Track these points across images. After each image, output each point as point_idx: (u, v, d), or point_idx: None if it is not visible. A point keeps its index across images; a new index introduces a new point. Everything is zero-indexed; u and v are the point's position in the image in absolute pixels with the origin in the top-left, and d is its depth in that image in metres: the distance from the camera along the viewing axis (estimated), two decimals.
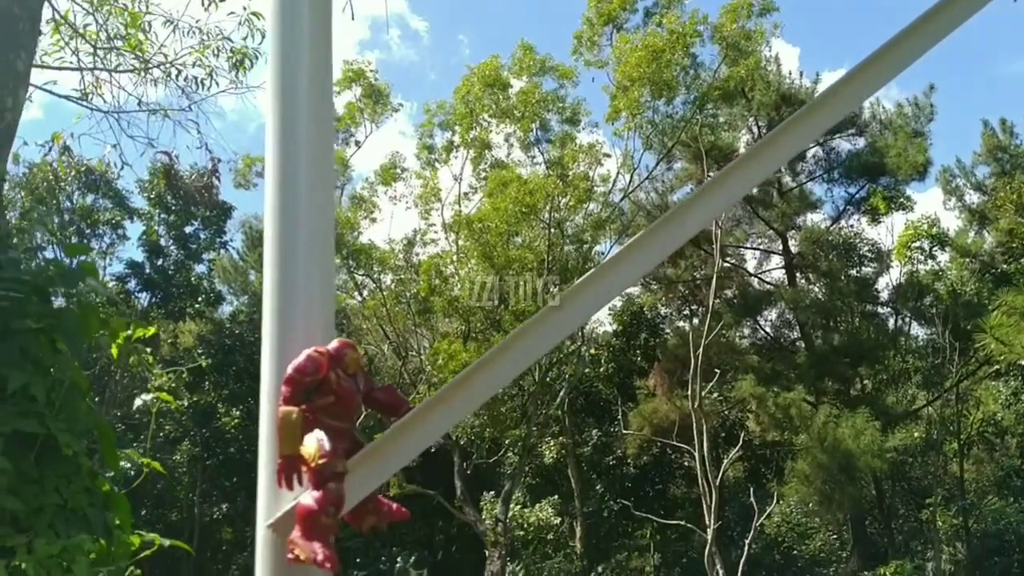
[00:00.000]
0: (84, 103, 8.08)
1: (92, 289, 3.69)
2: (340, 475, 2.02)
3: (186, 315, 29.82)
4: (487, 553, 23.07)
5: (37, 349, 3.42)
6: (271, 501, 2.22)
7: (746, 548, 20.92)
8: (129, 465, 4.24)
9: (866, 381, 28.07)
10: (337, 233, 23.22)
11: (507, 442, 24.52)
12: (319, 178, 2.58)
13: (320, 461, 1.98)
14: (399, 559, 29.82)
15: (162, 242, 29.99)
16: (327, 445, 2.01)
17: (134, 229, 28.74)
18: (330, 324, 2.40)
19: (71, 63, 8.11)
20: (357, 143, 25.77)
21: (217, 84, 9.13)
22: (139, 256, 29.56)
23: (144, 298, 29.77)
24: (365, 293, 25.80)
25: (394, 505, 2.44)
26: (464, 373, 2.27)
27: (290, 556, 2.09)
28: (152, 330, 4.22)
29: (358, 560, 28.79)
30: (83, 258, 3.96)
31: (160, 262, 29.92)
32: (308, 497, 2.03)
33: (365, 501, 2.25)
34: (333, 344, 2.23)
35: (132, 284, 29.43)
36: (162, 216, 29.81)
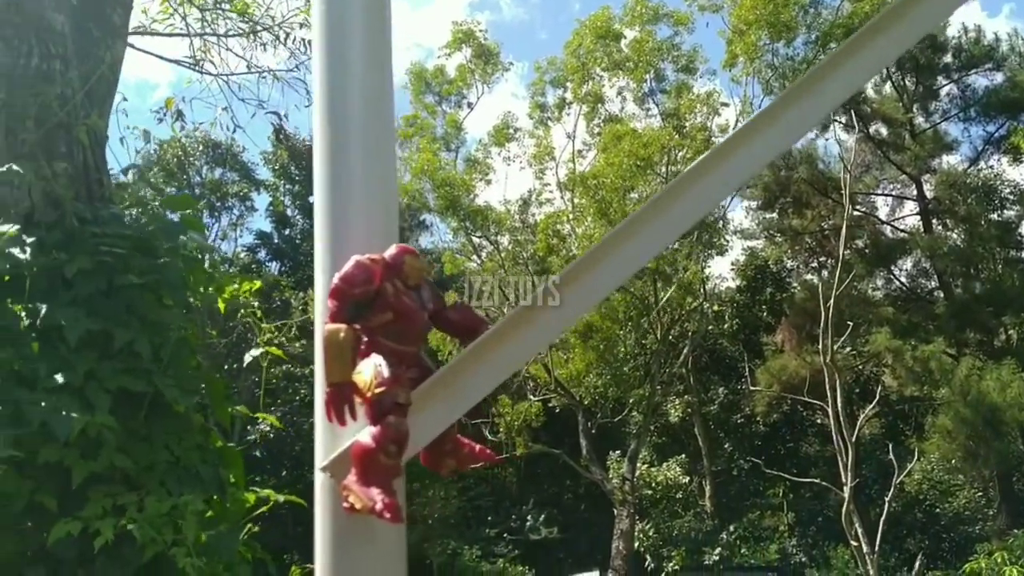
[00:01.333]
0: (195, 68, 8.20)
1: (194, 242, 3.68)
2: (402, 407, 1.71)
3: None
4: (616, 512, 23.01)
5: (142, 305, 3.43)
6: (327, 439, 1.90)
7: (886, 506, 20.15)
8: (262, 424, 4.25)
9: (1011, 331, 26.57)
10: (453, 195, 23.30)
11: (631, 401, 24.33)
12: (374, 54, 2.18)
13: (377, 390, 1.68)
14: (529, 517, 30.07)
15: (288, 212, 30.84)
16: (385, 371, 1.69)
17: (261, 200, 29.72)
18: (391, 230, 2.04)
19: (180, 29, 8.21)
20: (469, 105, 25.77)
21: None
22: (267, 227, 30.55)
23: (274, 267, 30.72)
24: (483, 255, 25.81)
25: (477, 446, 2.12)
26: (559, 280, 1.81)
27: (345, 505, 1.80)
28: (258, 284, 4.21)
29: (489, 518, 29.13)
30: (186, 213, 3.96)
31: (287, 232, 30.82)
32: (365, 434, 1.74)
33: (441, 440, 1.95)
34: (390, 250, 1.88)
35: (262, 254, 30.48)
36: (287, 187, 30.62)
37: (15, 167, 3.35)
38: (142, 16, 7.80)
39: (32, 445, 2.96)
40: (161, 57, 8.47)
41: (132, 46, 7.38)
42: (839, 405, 20.47)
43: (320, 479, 1.91)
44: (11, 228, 3.25)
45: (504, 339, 1.81)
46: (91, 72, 3.89)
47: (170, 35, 8.08)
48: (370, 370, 1.70)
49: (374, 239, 1.92)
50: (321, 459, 1.90)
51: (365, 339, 1.80)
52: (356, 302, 1.75)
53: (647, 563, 25.75)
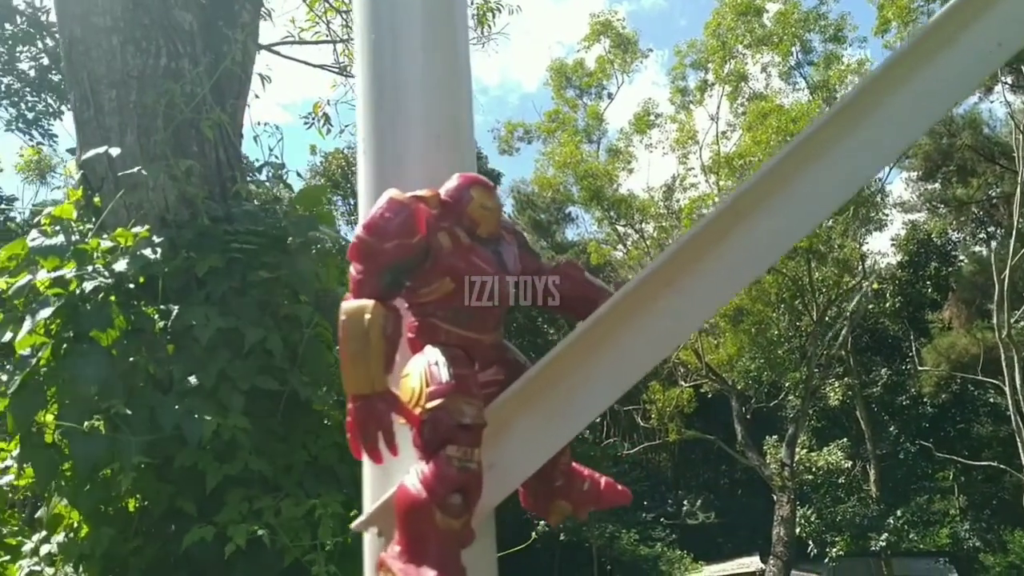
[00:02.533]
0: (341, 72, 8.36)
1: (327, 237, 3.60)
2: (471, 431, 1.08)
3: None
4: (775, 497, 22.36)
5: (274, 302, 3.37)
6: (376, 478, 1.29)
7: None
8: None
9: None
10: (596, 186, 23.18)
11: (787, 385, 23.64)
12: None
13: (430, 404, 1.07)
14: (685, 502, 29.71)
15: None
16: (444, 373, 1.10)
17: None
18: (464, 157, 1.38)
19: (326, 36, 8.39)
20: (610, 96, 25.64)
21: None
22: None
23: None
24: (628, 243, 25.55)
25: (602, 479, 1.41)
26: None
27: None
28: None
29: (644, 503, 28.94)
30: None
31: None
32: (413, 476, 1.10)
33: (546, 474, 1.30)
34: (448, 183, 1.22)
35: None
36: None
37: (142, 169, 3.34)
38: (290, 26, 8.09)
39: (168, 449, 2.93)
40: (308, 63, 8.73)
41: (279, 54, 7.60)
42: (1017, 382, 19.16)
43: (368, 538, 1.30)
44: (142, 229, 3.25)
45: (643, 312, 1.15)
46: (220, 71, 3.87)
47: (316, 43, 8.29)
48: (419, 373, 1.11)
49: (438, 168, 1.28)
50: (367, 504, 1.29)
51: (412, 322, 1.21)
52: (392, 264, 1.13)
53: (809, 549, 25.08)
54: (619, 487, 1.42)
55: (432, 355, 1.12)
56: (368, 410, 1.08)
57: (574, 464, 1.40)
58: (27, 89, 14.10)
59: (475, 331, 1.19)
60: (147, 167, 3.41)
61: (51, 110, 14.50)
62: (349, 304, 1.10)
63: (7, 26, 12.21)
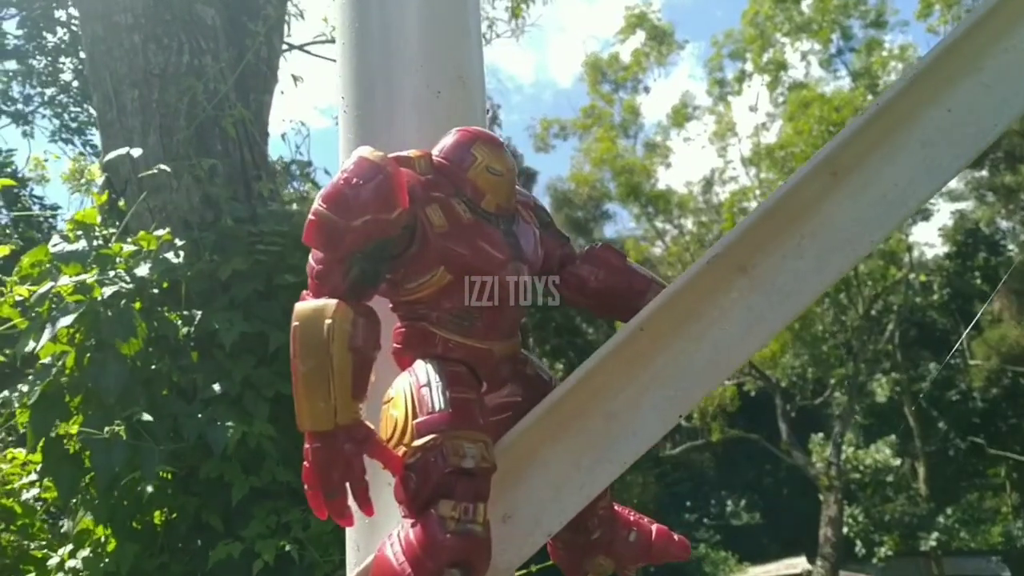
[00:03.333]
0: None
1: None
2: (474, 478, 0.79)
3: None
4: (822, 497, 22.01)
5: None
6: (358, 537, 1.05)
7: None
8: None
9: None
10: (633, 181, 23.00)
11: (832, 382, 23.27)
12: None
13: (417, 441, 0.78)
14: (729, 502, 29.44)
15: None
16: (436, 398, 0.80)
17: None
18: (478, 122, 1.07)
19: None
20: (646, 89, 25.42)
21: (497, 35, 9.12)
22: None
23: None
24: (667, 239, 25.32)
25: (652, 527, 1.10)
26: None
27: None
28: None
29: (687, 503, 28.70)
30: None
31: None
32: (395, 540, 0.81)
33: (579, 523, 0.97)
34: (446, 139, 0.91)
35: None
36: None
37: (165, 167, 3.24)
38: (322, 24, 8.01)
39: (193, 460, 2.81)
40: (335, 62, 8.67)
41: (311, 54, 7.53)
42: None
43: None
44: (164, 232, 3.13)
45: (708, 308, 0.84)
46: (244, 66, 3.76)
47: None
48: (404, 398, 0.81)
49: (438, 132, 0.95)
50: (349, 570, 1.05)
51: (397, 327, 0.90)
52: (363, 248, 0.82)
53: (857, 549, 24.71)
54: (675, 537, 1.11)
55: (422, 373, 0.81)
56: (330, 452, 0.77)
57: (616, 507, 1.06)
58: (69, 100, 14.22)
59: (483, 338, 0.86)
60: (170, 167, 3.30)
61: (93, 120, 14.60)
62: (303, 306, 0.79)
63: (48, 36, 12.31)
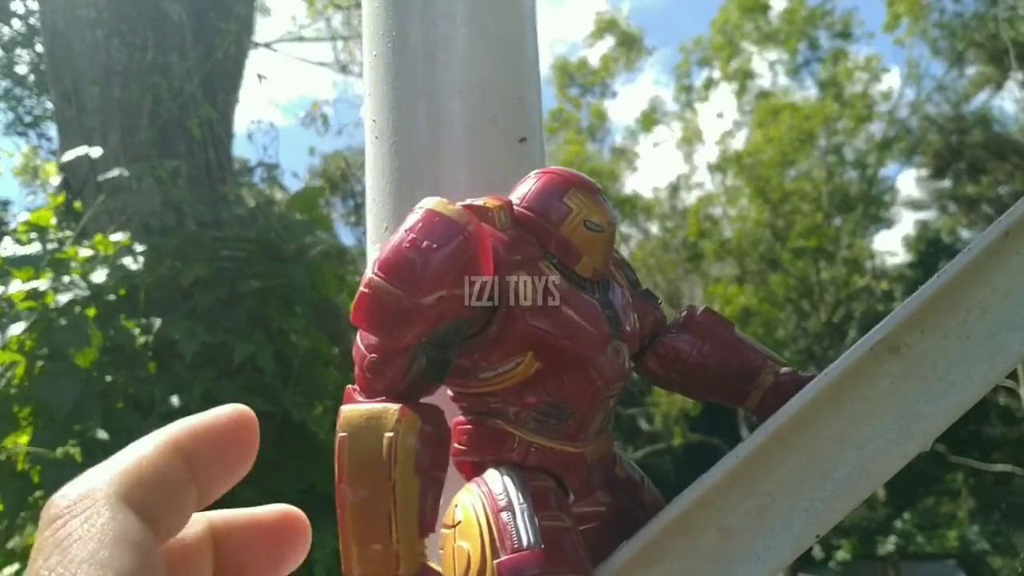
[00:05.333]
0: (342, 71, 8.15)
1: (323, 242, 3.33)
2: None
3: None
4: None
5: (266, 314, 3.10)
6: None
7: None
8: None
9: None
10: (600, 185, 23.00)
11: None
12: None
13: None
14: None
15: None
16: (523, 528, 0.52)
17: None
18: (537, 150, 0.87)
19: (326, 33, 8.18)
20: (614, 94, 25.52)
21: None
22: None
23: None
24: (632, 244, 25.40)
25: None
26: None
27: None
28: None
29: None
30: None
31: None
32: None
33: None
34: (528, 184, 0.63)
35: None
36: None
37: (125, 171, 3.09)
38: (290, 23, 7.84)
39: None
40: (307, 61, 8.53)
41: (276, 51, 7.38)
42: None
43: None
44: (123, 236, 2.99)
45: (851, 395, 0.62)
46: (210, 64, 3.62)
47: (316, 40, 8.06)
48: (477, 523, 0.54)
49: (493, 165, 0.83)
50: None
51: (462, 424, 0.63)
52: (433, 333, 0.55)
53: (815, 553, 24.87)
54: None
55: (499, 490, 0.57)
56: None
57: None
58: (24, 93, 13.93)
59: (573, 440, 0.63)
60: (130, 169, 3.15)
61: (49, 114, 14.30)
62: (353, 410, 0.55)
63: (3, 28, 12.03)
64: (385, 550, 0.52)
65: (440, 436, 0.57)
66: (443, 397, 0.64)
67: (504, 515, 0.54)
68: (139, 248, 3.01)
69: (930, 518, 26.47)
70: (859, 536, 24.54)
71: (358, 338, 0.57)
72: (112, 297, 3.01)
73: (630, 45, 24.75)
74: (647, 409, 24.38)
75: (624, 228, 24.81)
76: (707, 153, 23.83)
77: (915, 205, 28.25)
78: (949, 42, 21.72)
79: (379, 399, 0.56)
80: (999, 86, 23.49)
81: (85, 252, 3.02)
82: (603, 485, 0.69)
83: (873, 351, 0.59)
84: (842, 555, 24.32)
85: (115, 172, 3.08)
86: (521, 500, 0.56)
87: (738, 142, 23.10)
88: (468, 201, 0.61)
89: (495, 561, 0.52)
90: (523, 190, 0.66)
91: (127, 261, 2.91)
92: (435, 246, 0.55)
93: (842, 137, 21.40)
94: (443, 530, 0.55)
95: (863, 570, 24.69)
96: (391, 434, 0.53)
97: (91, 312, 2.89)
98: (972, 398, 0.61)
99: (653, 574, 0.61)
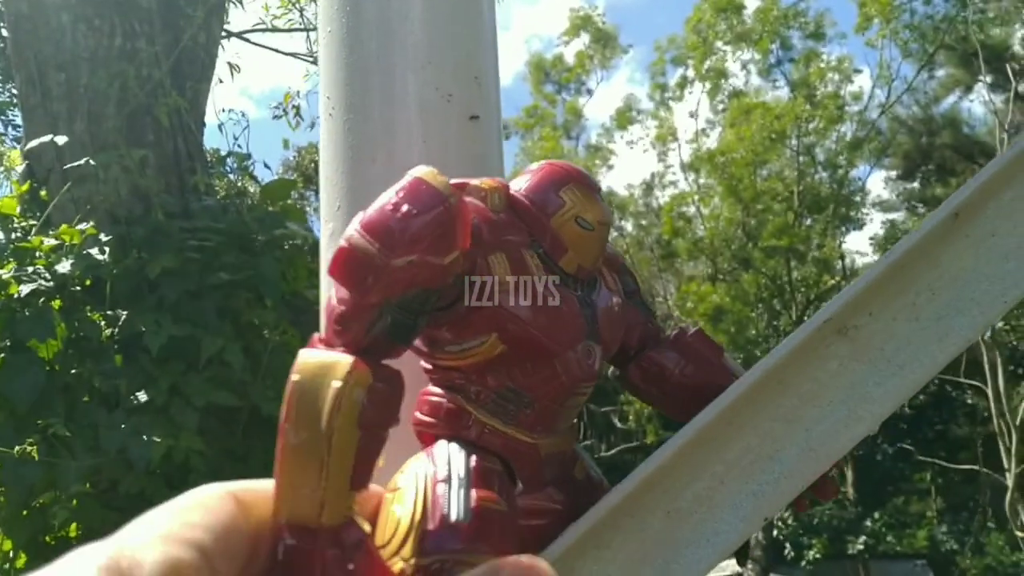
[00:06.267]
0: (314, 62, 8.09)
1: (295, 234, 3.29)
2: None
3: None
4: None
5: (236, 307, 3.06)
6: None
7: None
8: None
9: None
10: None
11: None
12: None
13: (422, 559, 0.50)
14: None
15: None
16: (456, 503, 0.54)
17: None
18: (494, 133, 0.90)
19: (299, 24, 8.11)
20: (589, 91, 25.51)
21: None
22: None
23: None
24: None
25: None
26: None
27: None
28: None
29: None
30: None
31: None
32: None
33: None
34: (529, 174, 0.66)
35: None
36: None
37: (91, 159, 3.04)
38: (263, 13, 7.76)
39: (114, 474, 2.61)
40: (279, 51, 8.47)
41: (250, 41, 7.30)
42: (1001, 385, 19.12)
43: None
44: (89, 226, 2.94)
45: (799, 381, 0.63)
46: (180, 51, 3.57)
47: (288, 31, 7.98)
48: (415, 491, 0.56)
49: (446, 145, 0.82)
50: None
51: (427, 396, 0.66)
52: (403, 295, 0.56)
53: (787, 552, 24.99)
54: None
55: (443, 462, 0.59)
56: (307, 556, 0.50)
57: None
58: None
59: (529, 430, 0.63)
60: (97, 157, 3.10)
61: (13, 100, 14.09)
62: (309, 356, 0.54)
63: None
64: (312, 495, 0.50)
65: (391, 397, 0.56)
66: (419, 371, 0.65)
67: (441, 487, 0.55)
68: (105, 238, 2.95)
69: (899, 518, 26.70)
70: (829, 535, 24.66)
71: (332, 291, 0.58)
72: (77, 288, 2.96)
73: (605, 43, 24.80)
74: (621, 408, 24.45)
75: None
76: (681, 152, 23.84)
77: (884, 206, 28.45)
78: (920, 44, 21.91)
79: (339, 350, 0.55)
80: (968, 89, 23.75)
81: (50, 242, 2.96)
82: (557, 483, 0.68)
83: (820, 332, 0.59)
84: (813, 554, 24.46)
85: (81, 160, 3.03)
86: (462, 475, 0.57)
87: (711, 141, 23.20)
88: (462, 179, 0.62)
89: (421, 529, 0.53)
90: (524, 177, 0.67)
91: (93, 251, 2.86)
92: (415, 212, 0.56)
93: (813, 137, 21.53)
94: (386, 494, 0.57)
95: (834, 569, 24.84)
96: (339, 384, 0.51)
97: (56, 303, 2.84)
98: (920, 380, 0.60)
99: (602, 558, 0.60)
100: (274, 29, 7.74)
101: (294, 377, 0.53)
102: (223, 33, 4.41)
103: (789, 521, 25.21)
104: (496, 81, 0.89)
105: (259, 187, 3.98)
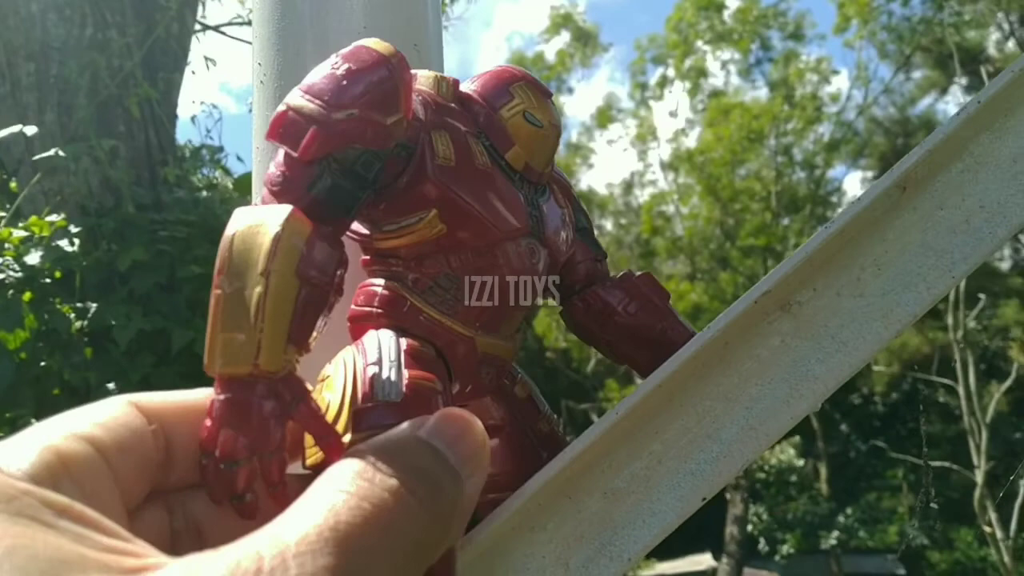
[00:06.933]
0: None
1: None
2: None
3: None
4: (728, 496, 22.38)
5: (207, 299, 3.04)
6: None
7: (1022, 489, 18.89)
8: None
9: None
10: None
11: None
12: None
13: (353, 435, 0.50)
14: None
15: None
16: (387, 383, 0.52)
17: None
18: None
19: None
20: (569, 90, 25.52)
21: None
22: None
23: None
24: None
25: None
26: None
27: None
28: None
29: None
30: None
31: None
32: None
33: None
34: (484, 74, 0.65)
35: None
36: None
37: (61, 150, 3.01)
38: (239, 6, 7.71)
39: None
40: (248, 41, 8.39)
41: (226, 35, 7.24)
42: (972, 383, 19.29)
43: None
44: (59, 218, 2.92)
45: (741, 358, 0.60)
46: (153, 42, 3.54)
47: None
48: (344, 374, 0.54)
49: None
50: None
51: (365, 284, 0.63)
52: (343, 154, 0.54)
53: (761, 546, 25.11)
54: None
55: (372, 347, 0.56)
56: (242, 408, 0.47)
57: None
58: None
59: (467, 323, 0.60)
60: (67, 148, 3.08)
61: None
62: (245, 210, 0.52)
63: None
64: (248, 340, 0.47)
65: (330, 253, 0.53)
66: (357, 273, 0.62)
67: (371, 369, 0.53)
68: (75, 230, 2.93)
69: (871, 513, 26.87)
70: (803, 530, 24.81)
71: (271, 163, 0.56)
72: (47, 280, 2.93)
73: (586, 41, 24.78)
74: (599, 404, 24.47)
75: None
76: (661, 151, 23.89)
77: None
78: (897, 46, 22.07)
79: (282, 203, 0.53)
80: (944, 91, 23.95)
81: (19, 233, 2.93)
82: (496, 395, 0.67)
83: (758, 304, 0.57)
84: (787, 549, 24.60)
85: (51, 151, 3.01)
86: (392, 358, 0.54)
87: (691, 140, 23.27)
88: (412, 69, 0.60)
89: (352, 410, 0.51)
90: (475, 77, 0.65)
91: (63, 243, 2.84)
92: (357, 70, 0.55)
93: (791, 138, 21.63)
94: (316, 385, 0.56)
95: (807, 563, 24.99)
96: (277, 229, 0.49)
97: (25, 295, 2.82)
98: (865, 357, 0.59)
99: (536, 540, 0.58)
100: (251, 23, 7.71)
101: (228, 232, 0.50)
102: (199, 26, 4.38)
103: (763, 516, 25.35)
104: (439, 50, 0.87)
105: (231, 179, 3.96)
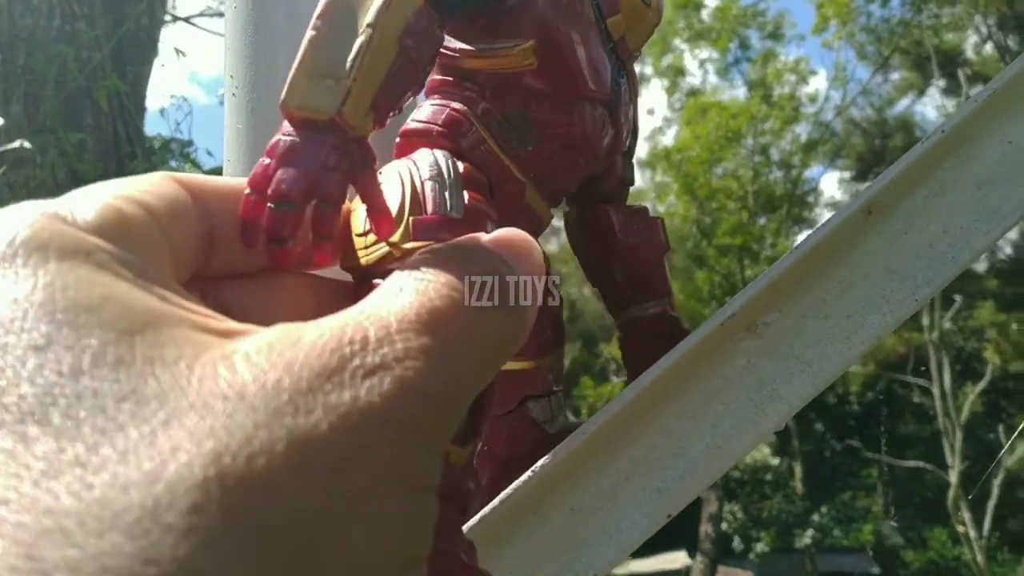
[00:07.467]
0: None
1: None
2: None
3: None
4: (703, 494, 22.54)
5: None
6: None
7: (995, 489, 19.17)
8: None
9: None
10: None
11: None
12: None
13: (411, 244, 0.44)
14: None
15: None
16: (449, 199, 0.47)
17: None
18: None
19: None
20: None
21: None
22: None
23: None
24: (563, 237, 25.49)
25: None
26: None
27: None
28: None
29: None
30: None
31: None
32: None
33: None
34: None
35: None
36: None
37: (27, 143, 2.97)
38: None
39: None
40: (220, 34, 8.33)
41: (196, 26, 7.18)
42: (946, 384, 19.52)
43: None
44: None
45: (708, 373, 0.61)
46: (122, 34, 3.49)
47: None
48: (401, 185, 0.48)
49: None
50: None
51: (431, 100, 0.58)
52: None
53: (735, 544, 25.28)
54: None
55: (427, 164, 0.51)
56: (310, 151, 0.43)
57: None
58: None
59: (526, 169, 0.57)
60: (33, 140, 3.03)
61: None
62: None
63: None
64: (337, 86, 0.44)
65: (433, 35, 0.50)
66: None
67: (431, 183, 0.49)
68: None
69: (846, 512, 27.11)
70: (778, 529, 25.00)
71: None
72: None
73: None
74: (574, 402, 24.58)
75: (556, 222, 24.89)
76: (639, 149, 23.98)
77: (837, 207, 28.68)
78: (875, 47, 22.29)
79: None
80: (921, 92, 24.12)
81: None
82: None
83: (724, 327, 0.59)
84: (761, 547, 24.78)
85: (17, 143, 2.96)
86: (451, 175, 0.50)
87: (668, 139, 23.37)
88: None
89: (412, 217, 0.47)
90: None
91: None
92: None
93: (769, 137, 21.77)
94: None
95: (781, 562, 25.19)
96: None
97: None
98: (828, 378, 0.60)
99: (500, 555, 0.58)
100: (222, 15, 7.65)
101: None
102: (168, 17, 4.33)
103: (738, 514, 25.53)
104: None
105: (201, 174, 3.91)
